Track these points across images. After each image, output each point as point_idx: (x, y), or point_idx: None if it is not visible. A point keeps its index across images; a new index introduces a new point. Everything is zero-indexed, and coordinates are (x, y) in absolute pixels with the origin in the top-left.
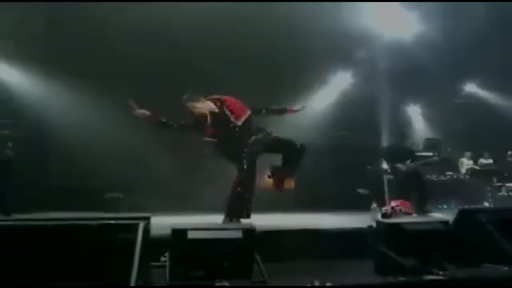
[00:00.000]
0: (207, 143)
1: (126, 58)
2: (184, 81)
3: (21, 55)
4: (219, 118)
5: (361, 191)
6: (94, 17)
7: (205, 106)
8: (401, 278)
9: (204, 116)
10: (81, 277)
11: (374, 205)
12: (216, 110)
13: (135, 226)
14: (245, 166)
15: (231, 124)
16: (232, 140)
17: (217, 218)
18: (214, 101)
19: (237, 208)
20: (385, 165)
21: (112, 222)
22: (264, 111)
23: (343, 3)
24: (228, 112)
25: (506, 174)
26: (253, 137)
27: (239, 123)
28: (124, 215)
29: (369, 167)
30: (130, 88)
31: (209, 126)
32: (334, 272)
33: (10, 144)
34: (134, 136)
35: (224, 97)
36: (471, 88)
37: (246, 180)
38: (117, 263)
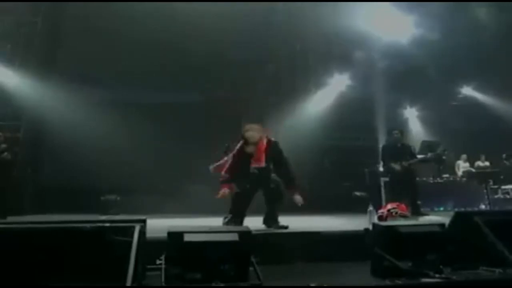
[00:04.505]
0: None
1: (126, 59)
2: (182, 81)
3: (20, 57)
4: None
5: (357, 193)
6: (94, 19)
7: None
8: (397, 281)
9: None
10: (77, 279)
11: (370, 207)
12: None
13: (131, 229)
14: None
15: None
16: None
17: (214, 221)
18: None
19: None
20: (381, 168)
21: (108, 225)
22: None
23: (341, 6)
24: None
25: (502, 177)
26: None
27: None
28: (120, 218)
29: (366, 169)
30: (129, 89)
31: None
32: (330, 275)
33: (5, 146)
34: (132, 139)
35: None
36: (468, 90)
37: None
38: (113, 266)
